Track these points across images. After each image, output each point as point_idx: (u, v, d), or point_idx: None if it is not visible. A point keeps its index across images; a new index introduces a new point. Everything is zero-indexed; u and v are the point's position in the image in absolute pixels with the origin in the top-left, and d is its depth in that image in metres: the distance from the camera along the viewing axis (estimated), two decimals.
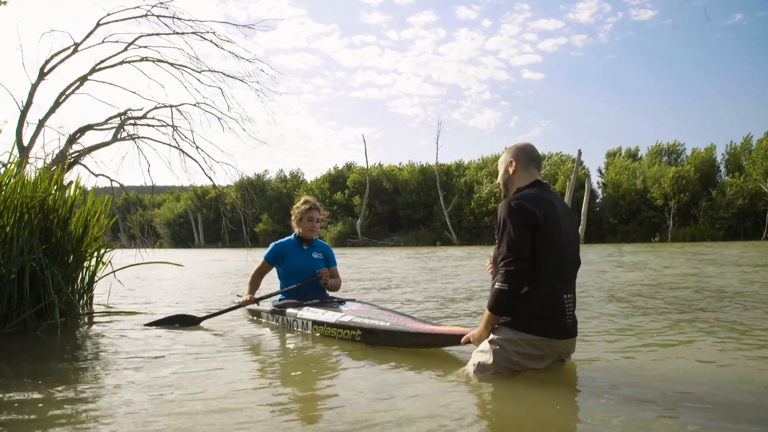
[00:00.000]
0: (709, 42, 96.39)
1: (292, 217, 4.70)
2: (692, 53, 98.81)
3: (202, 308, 5.79)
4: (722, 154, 43.57)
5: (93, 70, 9.97)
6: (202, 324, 4.61)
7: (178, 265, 6.57)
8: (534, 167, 2.89)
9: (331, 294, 4.70)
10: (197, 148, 10.34)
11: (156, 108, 10.39)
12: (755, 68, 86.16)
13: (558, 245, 2.67)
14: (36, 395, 2.57)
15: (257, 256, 4.94)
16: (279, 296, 4.62)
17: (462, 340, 2.91)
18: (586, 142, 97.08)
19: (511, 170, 2.89)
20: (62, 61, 9.84)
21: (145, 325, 4.58)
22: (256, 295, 4.63)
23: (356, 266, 14.15)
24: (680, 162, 44.23)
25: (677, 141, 46.19)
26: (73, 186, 5.24)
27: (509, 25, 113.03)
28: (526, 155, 2.89)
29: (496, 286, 2.61)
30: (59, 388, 2.71)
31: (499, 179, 2.98)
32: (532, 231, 2.59)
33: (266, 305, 4.71)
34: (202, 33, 10.16)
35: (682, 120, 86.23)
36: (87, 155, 9.87)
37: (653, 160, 44.23)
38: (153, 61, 10.18)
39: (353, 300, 4.57)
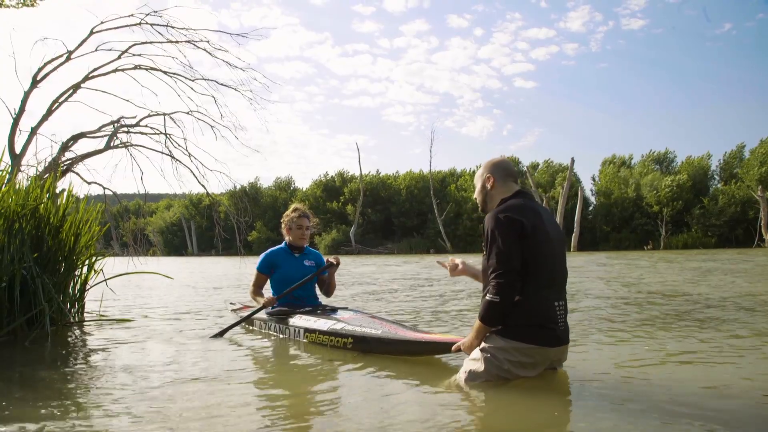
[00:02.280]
0: (701, 50, 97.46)
1: (283, 226, 4.70)
2: (684, 61, 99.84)
3: (193, 316, 5.77)
4: (718, 161, 43.94)
5: (86, 78, 9.95)
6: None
7: (168, 277, 6.57)
8: (511, 181, 2.93)
9: (323, 302, 4.71)
10: (190, 156, 10.31)
11: (149, 116, 10.36)
12: (747, 76, 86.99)
13: (547, 253, 2.69)
14: (25, 405, 2.56)
15: (250, 263, 4.93)
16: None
17: (453, 348, 2.92)
18: (580, 149, 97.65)
19: (488, 186, 2.93)
20: (55, 68, 9.81)
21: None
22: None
23: (349, 274, 14.13)
24: (671, 170, 44.51)
25: (668, 149, 46.54)
26: (65, 194, 5.23)
27: (501, 33, 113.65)
28: (502, 170, 2.93)
29: (487, 298, 2.62)
30: (48, 398, 2.70)
31: (476, 195, 3.02)
32: (520, 241, 2.61)
33: (259, 313, 4.69)
34: (195, 41, 10.16)
35: (675, 127, 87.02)
36: (80, 163, 9.83)
37: (645, 169, 44.47)
38: (146, 69, 10.16)
39: (345, 308, 4.56)
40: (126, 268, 6.42)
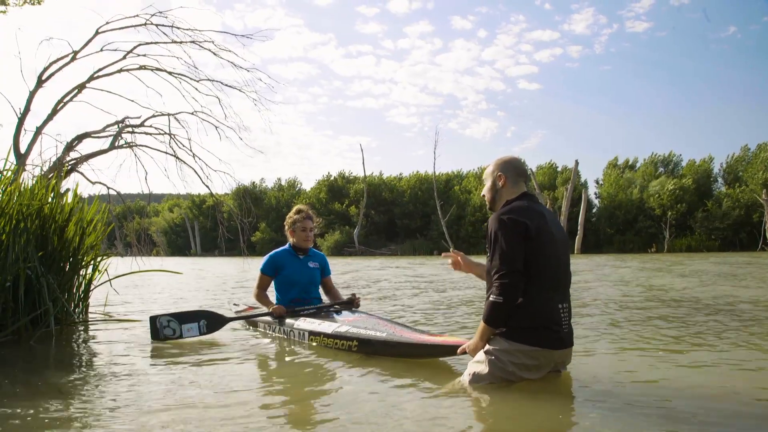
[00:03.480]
0: (706, 53, 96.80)
1: (286, 227, 4.69)
2: (689, 64, 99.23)
3: None
4: (721, 164, 43.78)
5: (91, 78, 9.97)
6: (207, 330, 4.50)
7: (176, 272, 6.56)
8: (522, 181, 2.91)
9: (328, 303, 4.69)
10: (194, 156, 10.33)
11: (154, 116, 10.38)
12: (751, 79, 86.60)
13: (551, 255, 2.69)
14: (29, 405, 2.56)
15: (254, 264, 4.92)
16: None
17: (458, 350, 2.92)
18: (584, 152, 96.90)
19: (500, 184, 2.90)
20: (60, 68, 9.83)
21: (171, 314, 4.29)
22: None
23: (353, 275, 14.12)
24: (676, 172, 44.35)
25: (672, 152, 46.34)
26: (70, 194, 5.24)
27: (505, 35, 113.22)
28: (514, 169, 2.91)
29: (491, 299, 2.62)
30: (52, 398, 2.70)
31: (486, 192, 2.98)
32: (524, 242, 2.61)
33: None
34: (200, 42, 10.18)
35: (679, 130, 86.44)
36: (84, 163, 9.85)
37: (648, 171, 44.34)
38: (151, 70, 10.18)
39: (349, 309, 4.55)
40: (130, 269, 6.43)
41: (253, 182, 56.35)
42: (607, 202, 42.91)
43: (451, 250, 3.28)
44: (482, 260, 2.92)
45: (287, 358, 3.77)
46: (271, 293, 4.68)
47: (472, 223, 44.59)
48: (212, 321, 4.36)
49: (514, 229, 2.61)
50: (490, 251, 2.68)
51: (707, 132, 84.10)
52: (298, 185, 58.02)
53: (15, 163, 8.56)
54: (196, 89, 10.31)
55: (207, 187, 10.40)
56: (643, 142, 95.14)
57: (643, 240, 40.11)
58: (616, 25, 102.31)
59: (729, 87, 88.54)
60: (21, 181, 4.94)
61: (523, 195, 2.86)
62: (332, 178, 54.19)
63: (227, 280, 12.69)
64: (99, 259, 5.43)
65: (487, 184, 2.97)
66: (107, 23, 9.96)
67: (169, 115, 10.34)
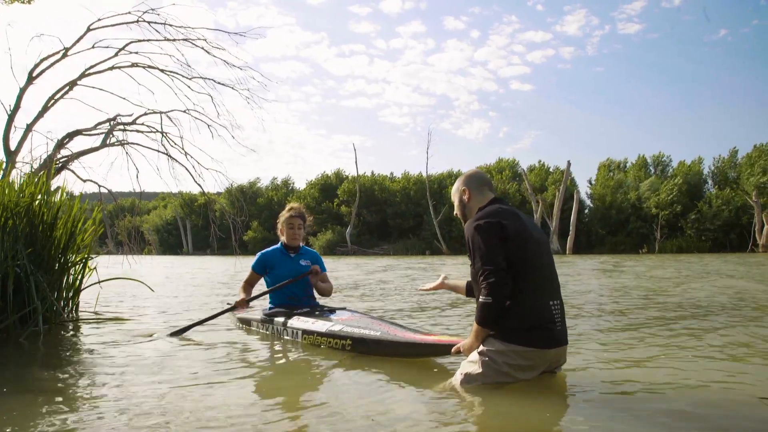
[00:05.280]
0: (697, 55, 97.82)
1: (278, 226, 4.68)
2: (681, 66, 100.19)
3: (188, 315, 5.73)
4: (709, 167, 44.11)
5: (82, 75, 9.89)
6: (190, 330, 4.52)
7: (150, 289, 6.64)
8: (486, 188, 2.98)
9: (321, 302, 4.67)
10: (186, 154, 10.28)
11: (145, 114, 10.32)
12: (742, 81, 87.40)
13: (532, 252, 2.70)
14: (16, 403, 2.53)
15: (246, 263, 4.90)
16: (269, 305, 4.58)
17: (452, 350, 2.91)
18: (576, 152, 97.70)
19: (465, 198, 2.97)
20: (51, 65, 9.75)
21: (169, 335, 4.42)
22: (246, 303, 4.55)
23: (346, 274, 14.09)
24: (666, 174, 44.61)
25: (662, 153, 46.59)
26: (60, 191, 5.18)
27: (497, 36, 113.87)
28: (476, 180, 2.99)
29: (480, 300, 2.62)
30: (40, 397, 2.67)
31: (457, 211, 3.05)
32: (502, 242, 2.63)
33: (256, 314, 4.67)
34: (193, 40, 10.12)
35: (672, 131, 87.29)
36: (75, 160, 9.77)
37: (639, 173, 44.61)
38: (143, 67, 10.12)
39: (344, 308, 4.54)
40: (121, 267, 6.39)
41: (250, 181, 56.28)
42: (599, 202, 43.12)
43: (439, 276, 3.42)
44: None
45: (279, 357, 3.74)
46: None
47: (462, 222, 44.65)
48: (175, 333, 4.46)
49: (490, 231, 2.64)
50: (471, 257, 2.71)
51: (701, 133, 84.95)
52: (291, 184, 57.99)
53: (5, 160, 8.49)
54: (189, 87, 10.27)
55: (199, 185, 10.35)
56: (637, 142, 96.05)
57: (634, 241, 40.33)
58: (608, 27, 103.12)
59: (720, 89, 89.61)
60: (11, 178, 4.88)
61: (494, 200, 2.92)
62: (325, 177, 54.17)
63: (219, 279, 12.63)
64: (89, 257, 5.37)
65: (456, 202, 3.05)
66: (99, 20, 9.89)
67: (161, 113, 10.28)
